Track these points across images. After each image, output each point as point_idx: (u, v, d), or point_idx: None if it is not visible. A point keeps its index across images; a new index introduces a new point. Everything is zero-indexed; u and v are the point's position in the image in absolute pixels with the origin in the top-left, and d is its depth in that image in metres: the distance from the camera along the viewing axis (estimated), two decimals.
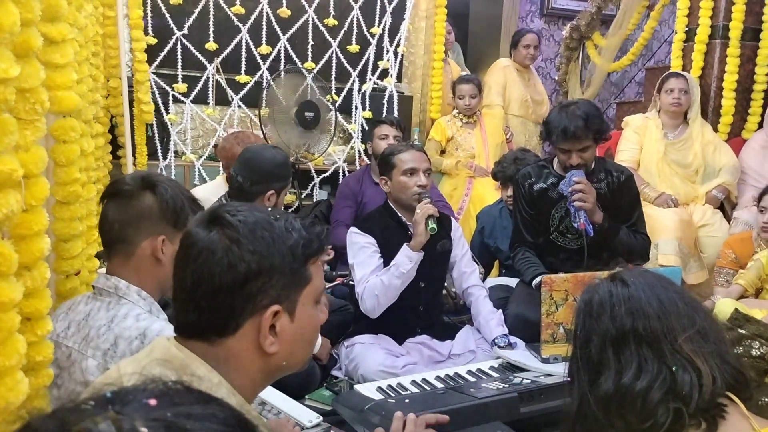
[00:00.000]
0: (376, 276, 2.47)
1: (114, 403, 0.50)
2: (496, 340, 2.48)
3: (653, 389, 1.02)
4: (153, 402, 0.50)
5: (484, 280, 3.11)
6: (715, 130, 3.98)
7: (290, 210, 4.03)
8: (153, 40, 3.84)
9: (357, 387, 2.13)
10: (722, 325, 1.36)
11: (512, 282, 3.08)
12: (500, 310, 2.65)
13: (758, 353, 1.28)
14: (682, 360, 1.03)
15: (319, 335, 2.43)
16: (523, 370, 2.27)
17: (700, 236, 3.61)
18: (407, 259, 2.42)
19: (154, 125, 3.91)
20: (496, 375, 2.23)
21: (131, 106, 3.68)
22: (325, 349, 2.51)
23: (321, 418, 1.84)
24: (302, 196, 4.14)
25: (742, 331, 1.29)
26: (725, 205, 3.82)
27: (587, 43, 5.49)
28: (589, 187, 2.58)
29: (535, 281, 2.62)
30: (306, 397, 2.29)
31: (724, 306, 2.62)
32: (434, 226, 2.42)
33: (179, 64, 3.95)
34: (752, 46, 4.01)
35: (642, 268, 1.21)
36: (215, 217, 0.97)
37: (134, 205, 1.49)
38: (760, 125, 3.96)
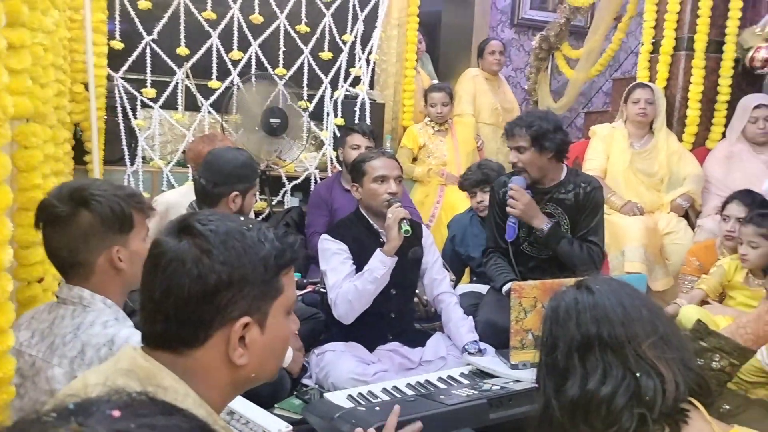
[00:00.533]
0: (350, 281, 2.46)
1: (77, 414, 0.49)
2: (466, 347, 2.49)
3: (618, 395, 1.04)
4: (116, 413, 0.49)
5: (455, 287, 3.13)
6: (680, 139, 4.06)
7: (261, 217, 4.00)
8: (120, 45, 3.80)
9: (327, 395, 2.13)
10: (684, 335, 1.38)
11: (483, 289, 3.10)
12: (471, 317, 2.66)
13: (718, 366, 1.31)
14: (645, 366, 1.05)
15: (291, 348, 2.43)
16: (492, 376, 2.28)
17: (665, 244, 3.68)
18: (381, 264, 2.43)
19: (121, 130, 3.86)
20: (466, 382, 2.24)
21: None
22: (297, 364, 2.49)
23: (291, 427, 1.82)
24: (273, 203, 4.12)
25: (704, 344, 1.32)
26: (690, 214, 3.90)
27: (556, 54, 5.58)
28: (520, 194, 2.67)
29: (505, 288, 2.65)
30: (275, 406, 2.27)
31: (689, 312, 2.68)
32: (408, 228, 2.43)
33: (148, 69, 3.90)
34: (716, 58, 4.11)
35: (607, 276, 1.23)
36: (185, 226, 0.95)
37: (74, 228, 1.42)
38: (724, 135, 4.06)
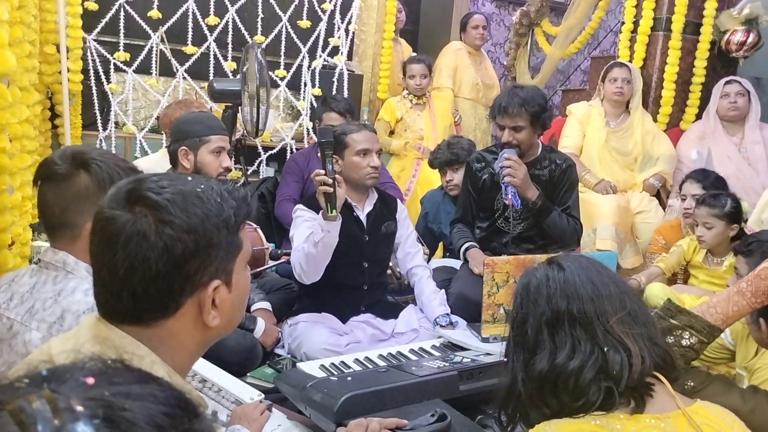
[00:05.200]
0: (300, 244, 2.47)
1: (50, 380, 0.48)
2: (437, 319, 2.52)
3: (586, 369, 1.06)
4: (90, 380, 0.48)
5: (428, 261, 3.16)
6: (655, 120, 4.11)
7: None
8: (94, 6, 3.69)
9: (300, 365, 2.14)
10: (656, 313, 1.42)
11: (456, 264, 3.13)
12: (443, 290, 2.69)
13: (688, 343, 1.35)
14: (613, 341, 1.08)
15: (266, 323, 2.43)
16: (463, 349, 2.31)
17: (636, 222, 3.74)
18: (320, 227, 2.38)
19: (94, 94, 3.77)
20: (437, 354, 2.27)
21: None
22: (271, 338, 2.49)
23: (262, 395, 1.84)
24: (248, 173, 4.08)
25: (674, 322, 1.35)
26: (661, 193, 3.97)
27: (536, 30, 5.56)
28: (518, 164, 2.65)
29: (463, 248, 2.76)
30: (248, 374, 2.29)
31: (655, 290, 2.74)
32: (335, 211, 2.32)
33: (121, 32, 3.80)
34: (693, 39, 4.15)
35: (577, 253, 1.25)
36: (137, 197, 0.90)
37: (70, 187, 1.42)
38: (698, 116, 4.11)
